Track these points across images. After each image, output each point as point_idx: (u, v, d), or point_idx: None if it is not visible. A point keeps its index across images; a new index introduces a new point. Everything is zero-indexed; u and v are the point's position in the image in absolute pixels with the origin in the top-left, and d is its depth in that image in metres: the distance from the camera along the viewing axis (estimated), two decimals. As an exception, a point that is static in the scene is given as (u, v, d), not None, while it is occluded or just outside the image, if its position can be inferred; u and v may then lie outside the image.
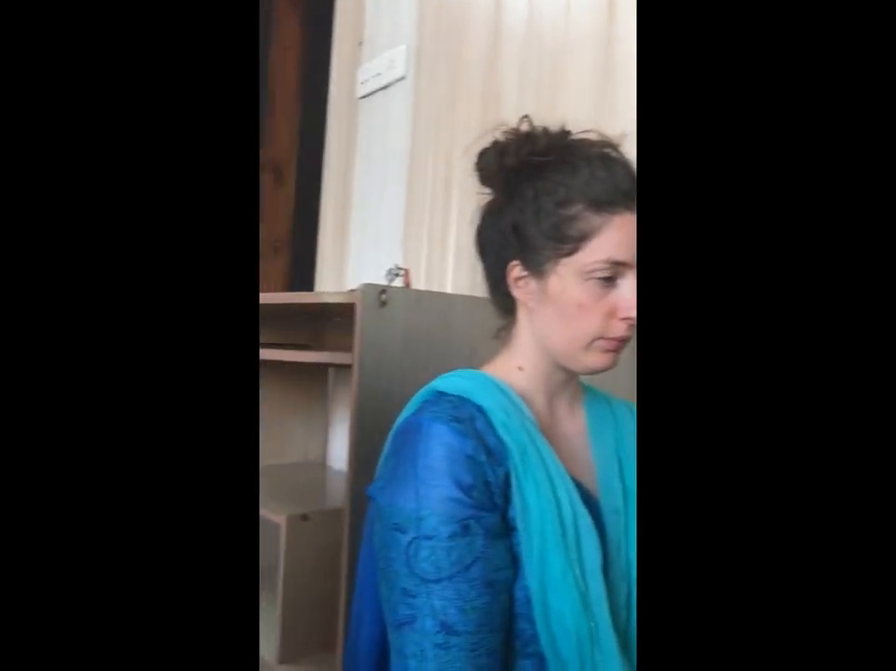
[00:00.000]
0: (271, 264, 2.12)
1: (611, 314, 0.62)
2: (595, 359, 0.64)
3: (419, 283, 1.39)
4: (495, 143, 0.68)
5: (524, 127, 0.68)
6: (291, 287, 2.11)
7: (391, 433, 0.66)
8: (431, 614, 0.56)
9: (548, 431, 0.66)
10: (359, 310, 0.96)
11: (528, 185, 0.65)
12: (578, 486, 0.64)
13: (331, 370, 1.71)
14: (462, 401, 0.62)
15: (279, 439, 1.65)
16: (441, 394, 0.64)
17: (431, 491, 0.57)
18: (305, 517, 1.15)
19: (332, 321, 1.68)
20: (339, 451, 1.68)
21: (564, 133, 0.68)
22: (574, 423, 0.72)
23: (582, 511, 0.62)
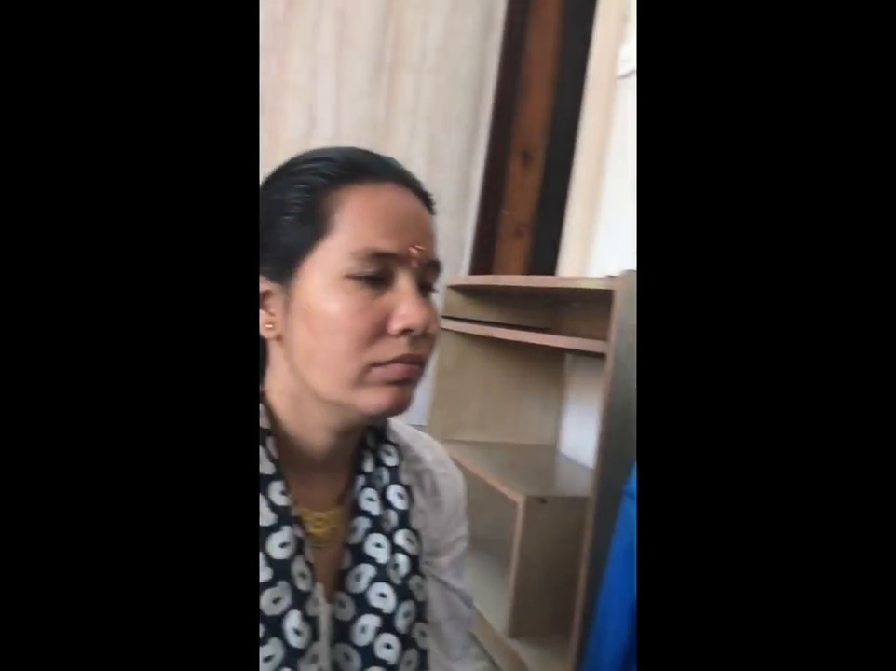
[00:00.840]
0: (512, 246, 2.15)
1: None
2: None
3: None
4: None
5: None
6: (531, 271, 2.13)
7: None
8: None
9: None
10: (618, 298, 0.93)
11: None
12: None
13: (568, 355, 1.70)
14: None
15: (514, 419, 1.69)
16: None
17: None
18: (543, 500, 1.16)
19: (570, 306, 1.66)
20: (571, 438, 1.67)
21: None
22: None
23: None
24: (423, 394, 1.66)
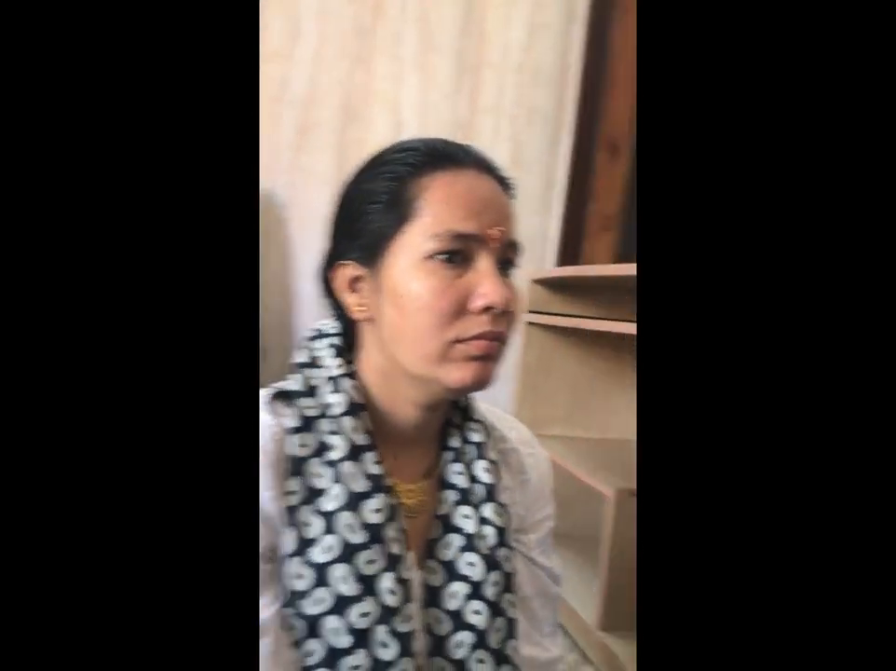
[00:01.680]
0: (599, 241, 2.13)
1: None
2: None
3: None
4: None
5: None
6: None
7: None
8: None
9: None
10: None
11: None
12: None
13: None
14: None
15: (603, 413, 1.66)
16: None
17: None
18: (633, 493, 1.14)
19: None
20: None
21: None
22: None
23: None
24: (509, 390, 1.67)
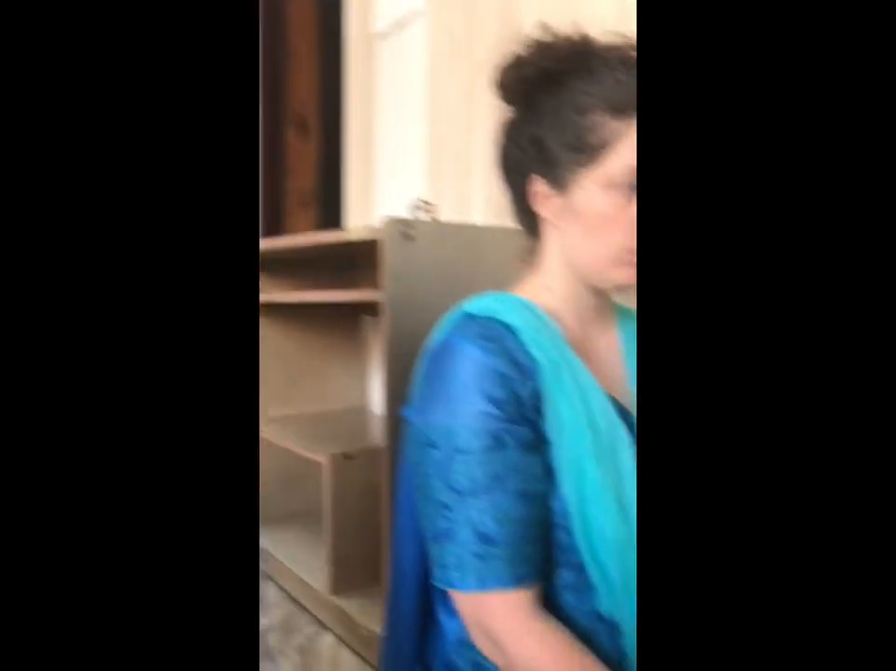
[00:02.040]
0: (300, 218, 2.12)
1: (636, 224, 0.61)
2: (624, 274, 0.63)
3: (449, 219, 1.38)
4: (516, 57, 0.66)
5: (544, 37, 0.66)
6: (323, 239, 2.12)
7: (422, 357, 0.67)
8: (468, 525, 0.57)
9: (579, 347, 0.66)
10: (384, 245, 0.96)
11: (548, 97, 0.63)
12: (613, 401, 0.64)
13: (368, 318, 1.73)
14: (491, 321, 0.62)
15: (320, 386, 1.68)
16: (470, 316, 0.64)
17: (463, 407, 0.58)
18: (349, 456, 1.18)
19: (362, 268, 1.68)
20: (378, 394, 1.71)
21: (585, 39, 0.65)
22: (607, 342, 0.72)
23: (616, 421, 0.62)
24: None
